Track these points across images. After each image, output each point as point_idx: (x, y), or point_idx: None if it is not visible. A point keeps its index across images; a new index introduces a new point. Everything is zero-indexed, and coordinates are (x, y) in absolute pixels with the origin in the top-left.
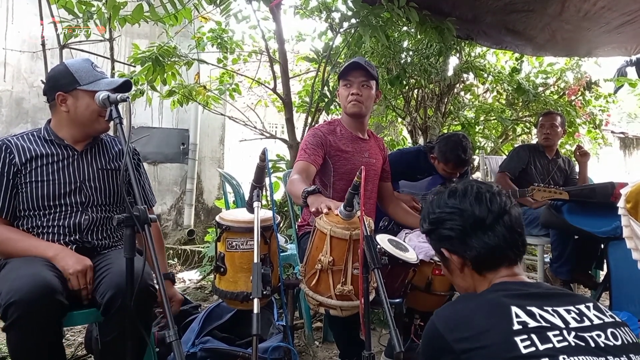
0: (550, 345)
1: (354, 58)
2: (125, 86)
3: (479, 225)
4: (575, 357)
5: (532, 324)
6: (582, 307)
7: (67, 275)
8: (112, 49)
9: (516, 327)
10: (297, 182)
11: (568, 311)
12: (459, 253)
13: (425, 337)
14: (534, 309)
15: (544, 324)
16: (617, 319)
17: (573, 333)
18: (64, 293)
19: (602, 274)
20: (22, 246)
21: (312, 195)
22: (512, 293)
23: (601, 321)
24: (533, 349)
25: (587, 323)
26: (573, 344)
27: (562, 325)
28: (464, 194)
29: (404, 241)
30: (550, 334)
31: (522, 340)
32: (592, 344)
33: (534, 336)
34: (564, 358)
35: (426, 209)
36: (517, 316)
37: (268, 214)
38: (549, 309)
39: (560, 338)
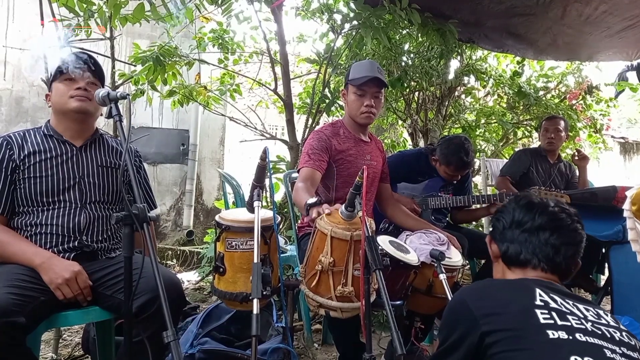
0: (568, 323)
1: (363, 62)
2: None
3: (517, 225)
4: (591, 338)
5: (553, 304)
6: (600, 311)
7: (53, 289)
8: (112, 48)
9: (538, 302)
10: (302, 191)
11: (587, 309)
12: (496, 242)
13: (449, 307)
14: (557, 297)
15: (564, 309)
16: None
17: (590, 323)
18: (22, 312)
19: (603, 278)
20: (12, 250)
21: (314, 207)
22: (539, 282)
23: (616, 324)
24: (552, 321)
25: (604, 321)
26: (590, 329)
27: (581, 315)
28: (525, 201)
29: (405, 243)
30: (569, 316)
31: (542, 313)
32: (608, 335)
33: (554, 313)
34: (580, 336)
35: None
36: (541, 295)
37: (268, 214)
38: (570, 302)
39: (578, 322)
